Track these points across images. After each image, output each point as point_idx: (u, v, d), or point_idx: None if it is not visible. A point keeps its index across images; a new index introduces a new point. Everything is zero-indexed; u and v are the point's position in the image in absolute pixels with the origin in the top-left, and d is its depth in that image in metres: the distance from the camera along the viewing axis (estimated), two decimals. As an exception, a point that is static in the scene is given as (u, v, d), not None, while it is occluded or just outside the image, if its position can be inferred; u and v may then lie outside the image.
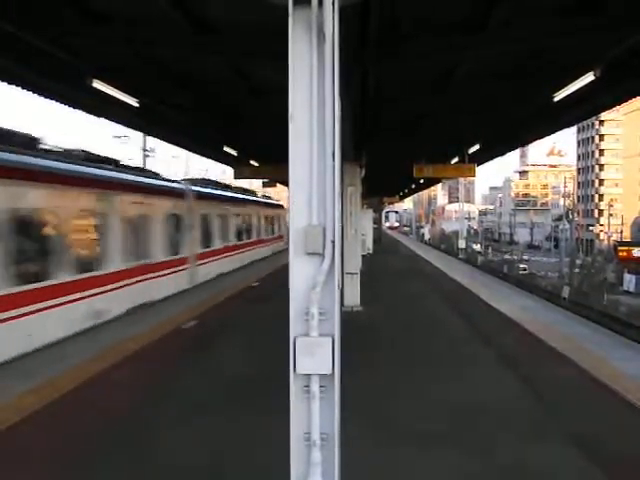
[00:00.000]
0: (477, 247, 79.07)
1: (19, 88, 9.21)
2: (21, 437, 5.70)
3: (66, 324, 10.07)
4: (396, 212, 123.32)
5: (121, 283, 12.32)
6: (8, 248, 8.80)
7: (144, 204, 13.87)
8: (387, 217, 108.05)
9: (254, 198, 29.64)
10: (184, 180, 19.88)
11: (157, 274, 14.30)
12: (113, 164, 13.75)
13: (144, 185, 14.64)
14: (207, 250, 18.87)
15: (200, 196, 18.42)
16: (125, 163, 15.55)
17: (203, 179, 21.01)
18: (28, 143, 10.47)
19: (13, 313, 8.84)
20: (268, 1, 3.13)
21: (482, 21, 7.08)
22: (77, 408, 6.58)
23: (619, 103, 11.56)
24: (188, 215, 17.00)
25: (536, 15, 7.13)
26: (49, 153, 11.06)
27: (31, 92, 9.49)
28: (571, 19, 7.06)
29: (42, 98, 9.90)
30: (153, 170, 18.75)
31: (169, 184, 16.89)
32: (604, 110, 12.89)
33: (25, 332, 9.02)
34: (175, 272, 15.70)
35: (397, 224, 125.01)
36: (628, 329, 23.88)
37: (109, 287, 11.78)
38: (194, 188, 18.31)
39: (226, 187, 23.99)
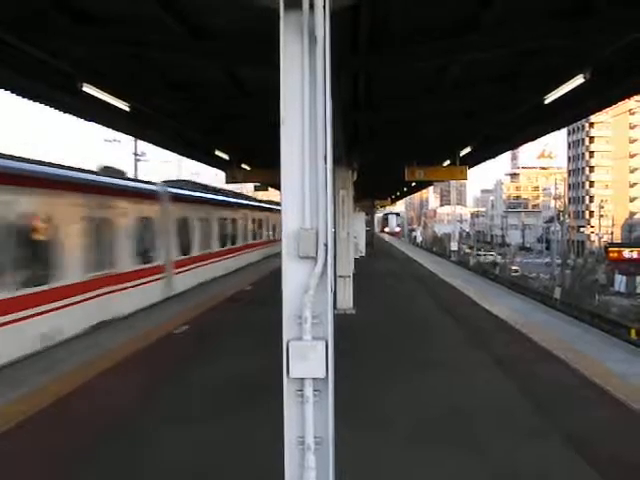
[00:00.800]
0: (468, 250, 78.87)
1: (8, 92, 9.17)
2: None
3: (225, 268, 22.02)
4: (397, 214, 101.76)
5: (260, 247, 29.95)
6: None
7: (270, 215, 32.52)
8: (386, 220, 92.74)
9: None
10: (268, 202, 35.27)
11: (269, 246, 31.71)
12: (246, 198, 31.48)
13: (266, 207, 32.70)
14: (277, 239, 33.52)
15: (277, 210, 32.27)
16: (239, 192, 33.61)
17: (270, 201, 34.46)
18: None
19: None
20: (259, 4, 3.13)
21: (474, 23, 7.10)
22: (61, 420, 6.47)
23: (611, 105, 11.59)
24: (273, 221, 33.01)
25: (529, 17, 7.14)
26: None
27: (20, 96, 9.45)
28: (564, 21, 7.08)
29: (31, 101, 9.86)
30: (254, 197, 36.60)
31: (271, 205, 33.53)
32: (598, 111, 12.92)
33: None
34: (271, 246, 31.78)
35: (398, 229, 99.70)
36: (619, 329, 24.03)
37: (254, 250, 28.80)
38: (276, 207, 31.92)
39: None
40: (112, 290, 12.16)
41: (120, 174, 15.22)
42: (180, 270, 16.66)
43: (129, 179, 16.65)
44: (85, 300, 11.04)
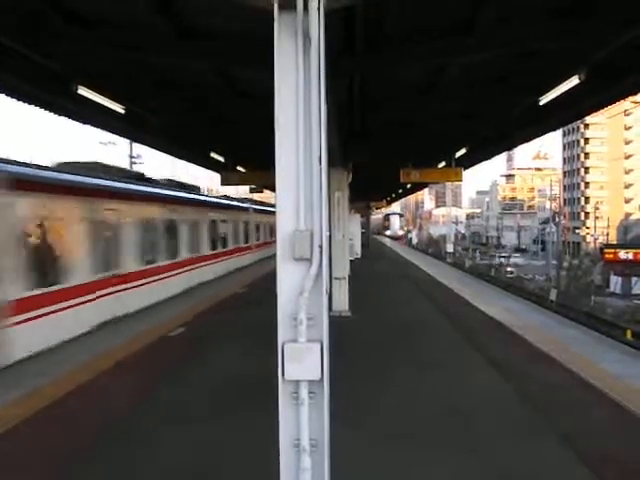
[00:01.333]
0: (463, 251, 78.64)
1: (3, 95, 9.13)
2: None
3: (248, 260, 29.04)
4: (400, 215, 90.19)
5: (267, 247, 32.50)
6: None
7: None
8: (387, 221, 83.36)
9: None
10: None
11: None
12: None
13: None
14: None
15: None
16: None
17: None
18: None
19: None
20: (254, 6, 3.13)
21: (471, 25, 7.09)
22: (59, 421, 6.46)
23: (606, 105, 11.59)
24: None
25: (528, 16, 7.13)
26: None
27: (15, 99, 9.41)
28: (564, 21, 7.07)
29: (25, 104, 9.82)
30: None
31: None
32: (594, 111, 12.88)
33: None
34: None
35: (402, 232, 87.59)
36: (615, 330, 24.08)
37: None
38: None
39: None
40: (240, 255, 25.81)
41: (230, 197, 29.98)
42: (256, 249, 29.71)
43: (236, 199, 30.45)
44: (232, 258, 24.21)
